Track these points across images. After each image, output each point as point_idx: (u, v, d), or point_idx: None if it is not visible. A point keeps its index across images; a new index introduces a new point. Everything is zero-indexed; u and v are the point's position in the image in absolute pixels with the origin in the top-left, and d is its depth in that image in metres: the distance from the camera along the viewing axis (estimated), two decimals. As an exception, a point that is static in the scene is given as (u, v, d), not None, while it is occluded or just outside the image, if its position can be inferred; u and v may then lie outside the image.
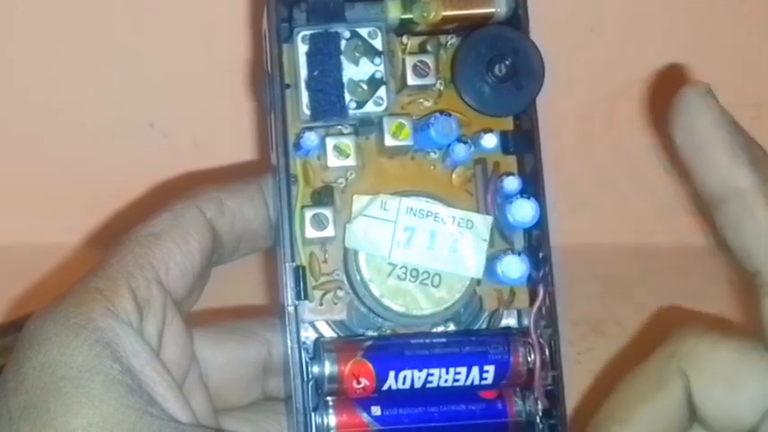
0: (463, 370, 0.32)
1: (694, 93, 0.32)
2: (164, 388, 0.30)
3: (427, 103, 0.33)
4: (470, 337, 0.33)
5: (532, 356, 0.32)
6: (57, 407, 0.28)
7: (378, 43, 0.32)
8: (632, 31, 0.48)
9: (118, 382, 0.28)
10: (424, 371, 0.32)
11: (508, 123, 0.34)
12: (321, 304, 0.33)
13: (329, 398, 0.32)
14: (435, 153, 0.33)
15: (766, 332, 0.32)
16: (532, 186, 0.33)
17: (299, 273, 0.32)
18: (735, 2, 0.45)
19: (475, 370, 0.32)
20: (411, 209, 0.33)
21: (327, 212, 0.32)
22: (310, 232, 0.32)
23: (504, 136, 0.34)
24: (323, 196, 0.33)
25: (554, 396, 0.32)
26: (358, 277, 0.33)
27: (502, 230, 0.33)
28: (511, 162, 0.34)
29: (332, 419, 0.32)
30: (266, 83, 0.32)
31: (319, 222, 0.32)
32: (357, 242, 0.32)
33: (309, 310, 0.33)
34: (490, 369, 0.32)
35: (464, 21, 0.33)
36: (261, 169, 0.34)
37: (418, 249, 0.33)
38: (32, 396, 0.28)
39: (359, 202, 0.33)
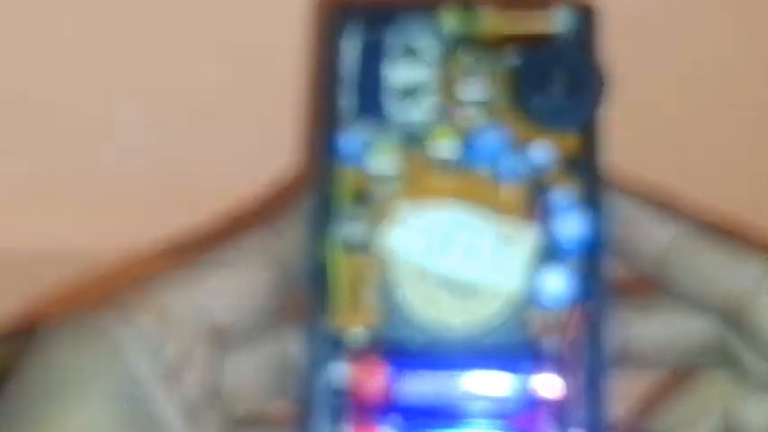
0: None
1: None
2: (172, 409, 0.30)
3: (478, 118, 0.33)
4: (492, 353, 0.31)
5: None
6: (53, 407, 0.28)
7: (429, 53, 0.33)
8: (631, 31, 0.45)
9: (121, 392, 0.29)
10: (429, 376, 0.30)
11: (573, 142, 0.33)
12: (356, 312, 0.32)
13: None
14: (486, 167, 0.33)
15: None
16: (587, 201, 0.31)
17: (327, 280, 0.31)
18: (735, 2, 0.43)
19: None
20: (451, 219, 0.32)
21: (364, 222, 0.32)
22: (348, 240, 0.32)
23: (558, 151, 0.32)
24: (362, 203, 0.32)
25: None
26: (392, 285, 0.32)
27: (555, 248, 0.32)
28: (568, 178, 0.32)
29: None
30: (321, 88, 0.33)
31: (355, 232, 0.32)
32: (393, 250, 0.32)
33: (342, 317, 0.32)
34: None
35: (523, 40, 0.33)
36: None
37: (456, 259, 0.31)
38: (33, 396, 0.29)
39: (399, 211, 0.32)
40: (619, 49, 0.33)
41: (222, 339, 0.32)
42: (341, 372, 0.30)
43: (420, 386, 0.30)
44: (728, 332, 0.33)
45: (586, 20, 0.33)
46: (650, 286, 0.34)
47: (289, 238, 0.33)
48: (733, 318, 0.33)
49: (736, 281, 0.32)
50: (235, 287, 0.32)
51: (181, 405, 0.30)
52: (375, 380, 0.30)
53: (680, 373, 0.35)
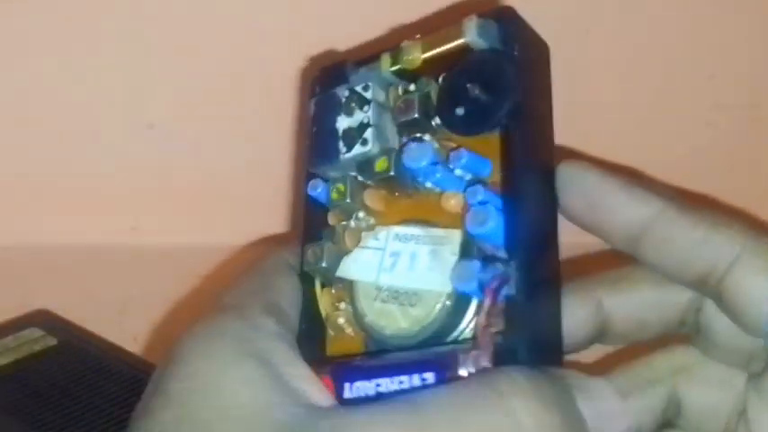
0: (406, 378, 0.32)
1: (570, 165, 0.34)
2: (301, 372, 0.32)
3: (410, 141, 0.35)
4: (427, 349, 0.32)
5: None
6: (209, 415, 0.29)
7: (369, 94, 0.36)
8: (630, 31, 0.41)
9: (267, 386, 0.30)
10: (374, 381, 0.32)
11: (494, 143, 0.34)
12: (336, 333, 0.35)
13: None
14: (424, 183, 0.35)
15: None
16: (504, 198, 0.32)
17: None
18: (735, 2, 0.38)
19: (415, 378, 0.31)
20: (397, 235, 0.34)
21: (323, 247, 0.35)
22: (308, 265, 0.35)
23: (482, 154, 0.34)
24: (327, 234, 0.36)
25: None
26: (354, 304, 0.35)
27: (476, 244, 0.33)
28: (492, 176, 0.34)
29: None
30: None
31: (314, 255, 0.35)
32: (349, 271, 0.35)
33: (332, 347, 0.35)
34: (429, 376, 0.31)
35: (447, 58, 0.35)
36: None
37: (400, 272, 0.34)
38: (183, 409, 0.30)
39: (356, 238, 0.35)
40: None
41: None
42: None
43: (351, 385, 0.32)
44: (702, 303, 0.32)
45: (498, 24, 0.34)
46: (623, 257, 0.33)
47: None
48: (711, 291, 0.32)
49: (713, 254, 0.31)
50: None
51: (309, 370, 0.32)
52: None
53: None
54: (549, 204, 0.34)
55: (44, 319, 0.47)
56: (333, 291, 0.36)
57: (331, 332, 0.35)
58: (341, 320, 0.35)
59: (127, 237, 0.55)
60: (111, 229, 0.54)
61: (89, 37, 0.50)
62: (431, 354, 0.32)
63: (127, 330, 0.49)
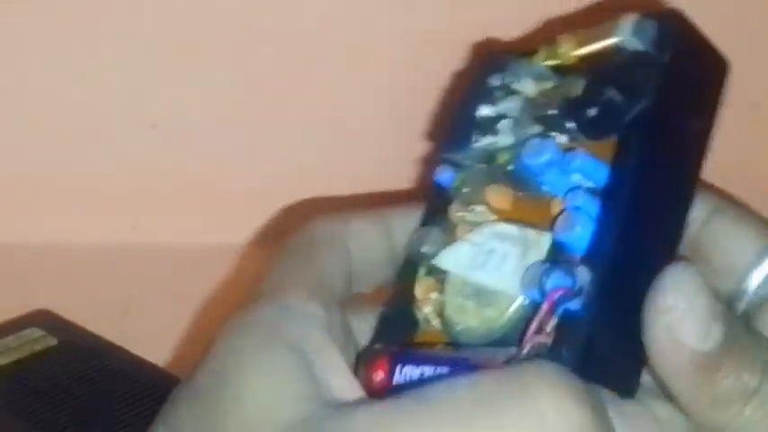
0: (445, 371, 0.29)
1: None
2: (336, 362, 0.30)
3: (538, 138, 0.32)
4: (478, 349, 0.29)
5: None
6: (224, 409, 0.28)
7: (517, 86, 0.34)
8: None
9: (292, 378, 0.29)
10: (420, 368, 0.30)
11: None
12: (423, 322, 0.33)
13: None
14: (539, 183, 0.32)
15: None
16: (600, 206, 0.29)
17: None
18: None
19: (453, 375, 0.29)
20: (498, 233, 0.32)
21: (429, 232, 0.34)
22: (409, 247, 0.34)
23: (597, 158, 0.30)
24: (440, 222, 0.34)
25: None
26: (442, 296, 0.33)
27: (563, 252, 0.30)
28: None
29: None
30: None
31: (418, 239, 0.34)
32: (445, 261, 0.33)
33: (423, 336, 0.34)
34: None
35: (600, 55, 0.32)
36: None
37: (488, 270, 0.31)
38: (205, 406, 0.29)
39: (466, 229, 0.33)
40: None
41: None
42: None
43: (402, 367, 0.31)
44: None
45: (658, 25, 0.31)
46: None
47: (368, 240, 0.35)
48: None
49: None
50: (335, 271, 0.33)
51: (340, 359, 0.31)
52: (375, 362, 0.31)
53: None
54: (668, 233, 0.30)
55: (44, 319, 0.47)
56: (431, 280, 0.34)
57: (419, 320, 0.34)
58: (427, 310, 0.33)
59: (127, 236, 0.55)
60: (112, 229, 0.54)
61: (90, 36, 0.50)
62: (477, 353, 0.29)
63: (127, 330, 0.48)
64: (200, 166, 0.55)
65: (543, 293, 0.28)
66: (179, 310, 0.51)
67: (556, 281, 0.28)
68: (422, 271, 0.34)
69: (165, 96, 0.52)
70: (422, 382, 0.30)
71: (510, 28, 0.43)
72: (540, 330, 0.28)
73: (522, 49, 0.35)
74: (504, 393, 0.26)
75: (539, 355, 0.27)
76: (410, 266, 0.34)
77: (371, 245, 0.35)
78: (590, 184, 0.31)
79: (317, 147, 0.55)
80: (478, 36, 0.46)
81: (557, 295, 0.28)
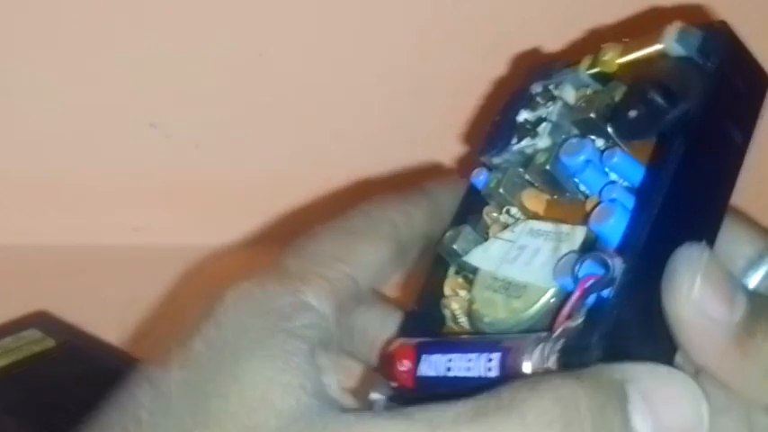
0: (474, 356, 0.29)
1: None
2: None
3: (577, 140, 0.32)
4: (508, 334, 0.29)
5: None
6: (221, 383, 0.28)
7: (557, 92, 0.34)
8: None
9: (284, 348, 0.28)
10: (447, 355, 0.30)
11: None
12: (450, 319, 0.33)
13: None
14: (574, 182, 0.32)
15: None
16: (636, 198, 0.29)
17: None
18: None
19: (482, 358, 0.28)
20: (531, 230, 0.32)
21: (462, 231, 0.34)
22: (441, 245, 0.34)
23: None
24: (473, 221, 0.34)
25: None
26: (471, 292, 0.33)
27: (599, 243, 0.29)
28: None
29: None
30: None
31: (450, 237, 0.34)
32: (476, 258, 0.33)
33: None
34: (494, 357, 0.28)
35: (644, 63, 0.32)
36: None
37: (518, 265, 0.31)
38: (199, 373, 0.28)
39: (498, 231, 0.33)
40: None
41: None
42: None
43: (428, 356, 0.30)
44: None
45: (703, 35, 0.31)
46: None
47: (415, 221, 0.34)
48: None
49: None
50: (373, 259, 0.33)
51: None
52: (400, 351, 0.31)
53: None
54: (699, 235, 0.30)
55: (43, 321, 0.47)
56: (460, 279, 0.34)
57: (446, 317, 0.33)
58: (455, 306, 0.33)
59: (129, 237, 0.55)
60: (114, 230, 0.54)
61: (90, 36, 0.50)
62: (507, 338, 0.29)
63: (128, 331, 0.48)
64: (201, 166, 0.55)
65: (576, 280, 0.28)
66: (179, 311, 0.50)
67: (588, 269, 0.28)
68: (452, 269, 0.34)
69: (165, 96, 0.52)
70: (448, 373, 0.30)
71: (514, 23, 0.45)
72: (570, 316, 0.28)
73: (567, 60, 0.36)
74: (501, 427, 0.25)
75: (569, 338, 0.27)
76: (440, 264, 0.34)
77: (418, 225, 0.34)
78: (626, 184, 0.31)
79: (317, 147, 0.55)
80: (482, 33, 0.48)
81: (588, 283, 0.28)
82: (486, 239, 0.34)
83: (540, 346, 0.27)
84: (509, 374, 0.28)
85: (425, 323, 0.33)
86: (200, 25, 0.51)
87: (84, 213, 0.54)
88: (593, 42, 0.35)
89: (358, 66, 0.53)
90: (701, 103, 0.30)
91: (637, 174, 0.30)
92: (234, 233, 0.56)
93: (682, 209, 0.29)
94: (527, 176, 0.33)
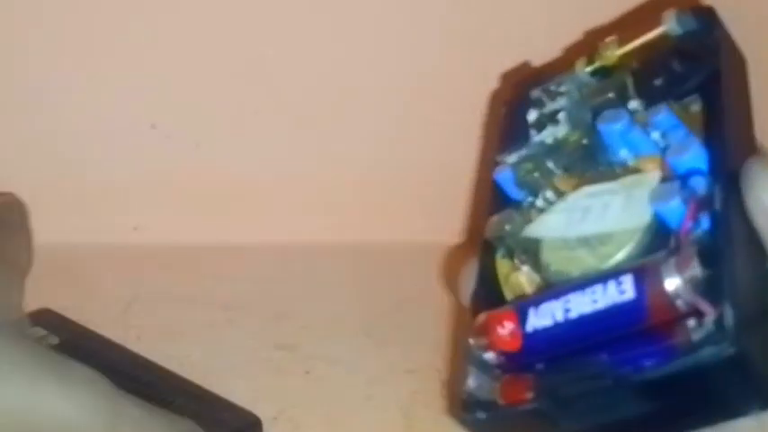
0: (599, 288, 0.29)
1: None
2: None
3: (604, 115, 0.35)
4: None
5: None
6: None
7: (561, 88, 0.37)
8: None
9: None
10: (562, 298, 0.30)
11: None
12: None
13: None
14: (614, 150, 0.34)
15: None
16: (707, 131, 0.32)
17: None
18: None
19: (611, 284, 0.29)
20: (589, 193, 0.33)
21: (509, 214, 0.35)
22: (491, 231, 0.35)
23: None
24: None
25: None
26: (537, 262, 0.33)
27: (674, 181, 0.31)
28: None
29: None
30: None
31: (499, 222, 0.35)
32: (536, 231, 0.34)
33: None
34: (626, 279, 0.29)
35: (643, 51, 0.36)
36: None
37: (593, 221, 0.32)
38: None
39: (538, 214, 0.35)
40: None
41: None
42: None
43: (536, 308, 0.30)
44: None
45: (696, 18, 0.35)
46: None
47: None
48: None
49: None
50: None
51: None
52: (496, 316, 0.31)
53: None
54: None
55: (47, 318, 0.46)
56: (509, 261, 0.34)
57: (509, 296, 0.34)
58: (522, 279, 0.33)
59: (129, 236, 0.55)
60: (114, 229, 0.54)
61: (90, 36, 0.51)
62: (623, 266, 0.30)
63: (130, 330, 0.48)
64: (201, 166, 0.54)
65: (686, 199, 0.30)
66: (180, 310, 0.50)
67: (694, 190, 0.30)
68: (499, 253, 0.35)
69: (165, 96, 0.52)
70: (567, 315, 0.30)
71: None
72: (690, 229, 0.29)
73: (552, 71, 0.39)
74: None
75: (702, 246, 0.28)
76: (488, 249, 0.35)
77: None
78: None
79: (318, 147, 0.55)
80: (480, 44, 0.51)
81: (698, 197, 0.30)
82: (530, 221, 0.35)
83: (676, 265, 0.28)
84: (649, 291, 0.28)
85: (492, 302, 0.33)
86: (200, 25, 0.51)
87: (85, 213, 0.54)
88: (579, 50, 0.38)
89: (358, 66, 0.53)
90: (720, 65, 0.34)
91: (679, 129, 0.33)
92: (234, 233, 0.55)
93: (738, 132, 0.32)
94: (551, 165, 0.35)
